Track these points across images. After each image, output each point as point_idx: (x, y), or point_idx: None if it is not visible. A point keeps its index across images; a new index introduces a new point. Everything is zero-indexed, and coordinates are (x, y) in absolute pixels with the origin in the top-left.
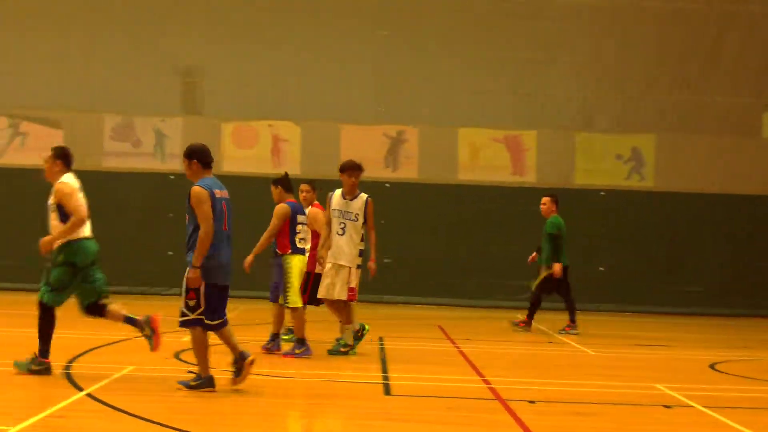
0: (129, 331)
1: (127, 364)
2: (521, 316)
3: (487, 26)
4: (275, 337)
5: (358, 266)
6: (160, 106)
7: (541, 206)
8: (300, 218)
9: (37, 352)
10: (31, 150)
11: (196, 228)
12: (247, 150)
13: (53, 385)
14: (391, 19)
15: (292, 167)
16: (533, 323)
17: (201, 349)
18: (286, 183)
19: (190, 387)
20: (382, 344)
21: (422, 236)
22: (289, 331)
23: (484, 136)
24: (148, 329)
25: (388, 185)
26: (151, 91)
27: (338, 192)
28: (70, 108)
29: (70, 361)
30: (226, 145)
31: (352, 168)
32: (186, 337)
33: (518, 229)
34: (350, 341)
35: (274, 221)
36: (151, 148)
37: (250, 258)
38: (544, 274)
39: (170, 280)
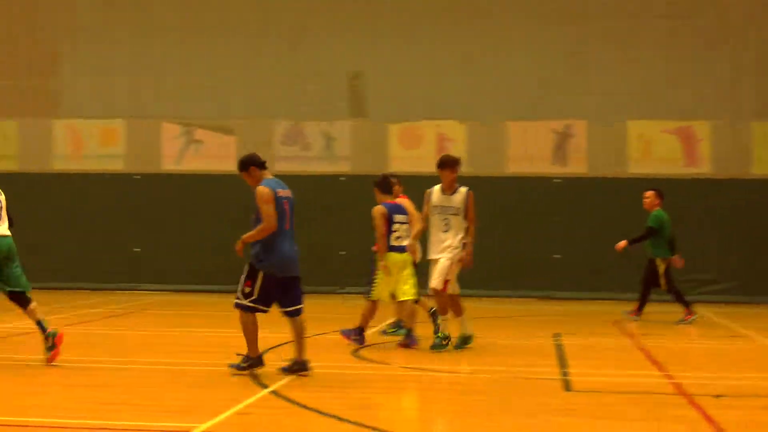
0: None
1: (311, 361)
2: (681, 310)
3: (650, 18)
4: (398, 327)
5: (459, 260)
6: (328, 110)
7: (644, 200)
8: (397, 218)
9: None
10: (205, 157)
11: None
12: (413, 150)
13: (238, 383)
14: (554, 12)
15: None
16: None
17: (250, 332)
18: (382, 185)
19: (240, 368)
20: (558, 340)
21: (593, 231)
22: (397, 325)
23: (654, 128)
24: (51, 341)
25: (557, 181)
26: (318, 96)
27: (437, 188)
28: (242, 115)
29: None
30: (393, 146)
31: (453, 163)
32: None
33: (695, 222)
34: (445, 332)
35: (375, 223)
36: (320, 151)
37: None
38: (662, 266)
39: (346, 279)
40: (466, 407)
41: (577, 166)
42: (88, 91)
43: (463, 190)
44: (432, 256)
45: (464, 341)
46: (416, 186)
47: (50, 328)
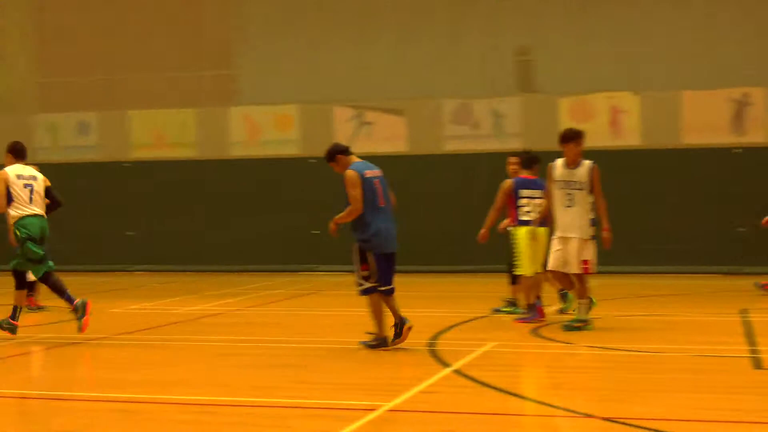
0: (486, 310)
1: (489, 340)
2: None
3: None
4: (512, 305)
5: (592, 237)
6: (496, 87)
7: None
8: (524, 192)
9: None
10: (376, 139)
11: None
12: (583, 124)
13: (420, 362)
14: None
15: (631, 138)
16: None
17: (378, 312)
18: (524, 160)
19: (370, 346)
20: (746, 316)
21: None
22: (510, 302)
23: None
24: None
25: (736, 151)
26: (486, 73)
27: (559, 162)
28: (411, 95)
29: (434, 338)
30: (563, 120)
31: (576, 136)
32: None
33: None
34: (584, 316)
35: (497, 195)
36: (489, 129)
37: (483, 231)
38: None
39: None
40: (659, 385)
41: (756, 136)
42: (262, 78)
43: (587, 163)
44: (558, 234)
45: (579, 323)
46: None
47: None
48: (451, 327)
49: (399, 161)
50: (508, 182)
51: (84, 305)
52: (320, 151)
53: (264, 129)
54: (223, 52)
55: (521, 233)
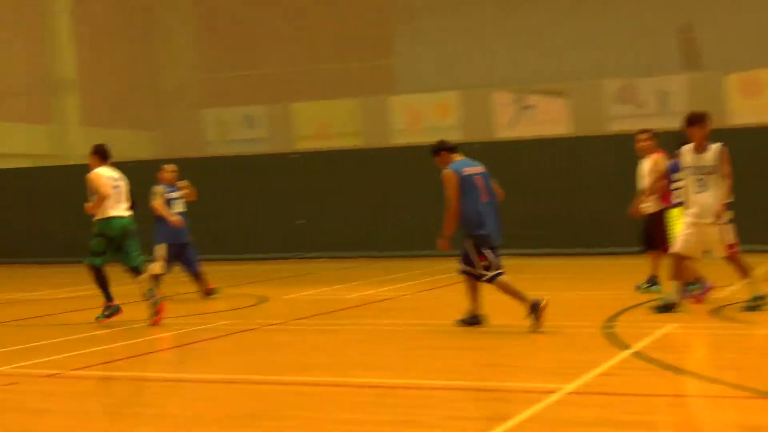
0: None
1: (670, 322)
2: None
3: None
4: (652, 283)
5: (731, 220)
6: (661, 65)
7: None
8: (675, 175)
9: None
10: (538, 122)
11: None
12: (752, 100)
13: (597, 345)
14: None
15: None
16: None
17: (513, 290)
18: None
19: (466, 323)
20: None
21: None
22: (651, 281)
23: None
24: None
25: None
26: (650, 52)
27: (686, 148)
28: (573, 76)
29: (610, 320)
30: (733, 97)
31: (700, 119)
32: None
33: None
34: (759, 292)
35: (653, 176)
36: (655, 108)
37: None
38: None
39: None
40: None
41: None
42: (422, 66)
43: (714, 146)
44: (692, 219)
45: (757, 301)
46: (756, 140)
47: (157, 296)
48: (627, 309)
49: (562, 144)
50: (663, 163)
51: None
52: (482, 136)
53: (425, 116)
54: (383, 43)
55: (675, 213)
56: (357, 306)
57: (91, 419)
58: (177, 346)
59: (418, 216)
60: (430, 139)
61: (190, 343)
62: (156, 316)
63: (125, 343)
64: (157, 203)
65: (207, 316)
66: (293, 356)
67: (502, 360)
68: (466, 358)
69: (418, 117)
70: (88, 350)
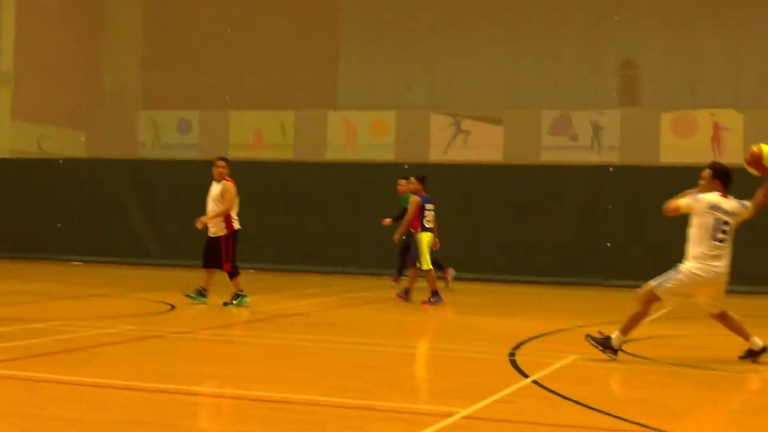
0: (570, 321)
1: (570, 353)
2: None
3: None
4: None
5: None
6: (598, 99)
7: None
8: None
9: None
10: (472, 147)
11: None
12: (685, 140)
13: (499, 371)
14: None
15: (733, 156)
16: None
17: None
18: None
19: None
20: None
21: None
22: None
23: None
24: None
25: None
26: (588, 86)
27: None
28: (510, 105)
29: (515, 348)
30: (665, 135)
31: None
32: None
33: None
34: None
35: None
36: (587, 141)
37: None
38: None
39: (608, 271)
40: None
41: None
42: (362, 84)
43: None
44: None
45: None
46: (689, 179)
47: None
48: (535, 338)
49: (493, 171)
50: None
51: None
52: (415, 157)
53: (361, 133)
54: (324, 57)
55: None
56: (268, 319)
57: None
58: (77, 349)
59: (344, 230)
60: (365, 156)
61: (92, 347)
62: None
63: (23, 342)
64: None
65: (114, 319)
66: (194, 366)
67: (403, 381)
68: (368, 377)
69: (354, 134)
70: None
